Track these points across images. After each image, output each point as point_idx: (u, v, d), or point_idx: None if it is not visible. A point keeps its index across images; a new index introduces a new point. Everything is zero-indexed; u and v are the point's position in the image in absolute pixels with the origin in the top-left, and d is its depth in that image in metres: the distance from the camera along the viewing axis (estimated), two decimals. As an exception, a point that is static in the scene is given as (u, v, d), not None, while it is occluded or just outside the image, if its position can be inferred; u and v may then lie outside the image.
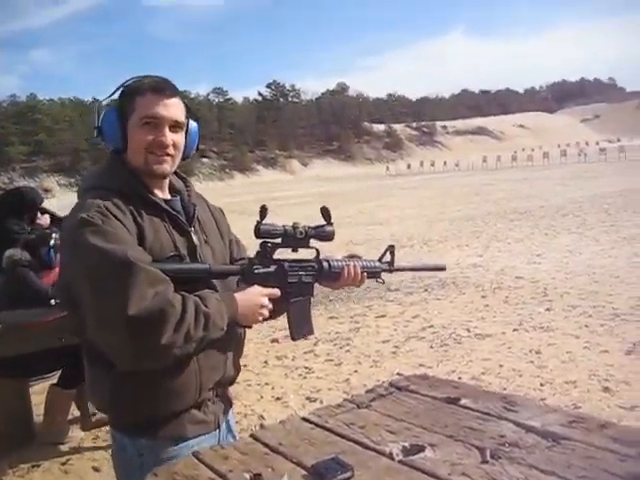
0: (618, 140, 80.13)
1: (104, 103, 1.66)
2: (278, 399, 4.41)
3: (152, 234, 1.50)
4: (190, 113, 1.68)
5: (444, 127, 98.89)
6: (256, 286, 1.60)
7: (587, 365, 4.47)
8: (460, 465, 1.17)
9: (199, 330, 1.42)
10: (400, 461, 1.21)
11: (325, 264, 1.75)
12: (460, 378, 4.31)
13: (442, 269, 2.11)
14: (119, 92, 1.60)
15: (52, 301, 3.63)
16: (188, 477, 1.24)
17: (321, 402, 4.12)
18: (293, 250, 1.68)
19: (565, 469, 1.12)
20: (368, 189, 30.16)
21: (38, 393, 4.21)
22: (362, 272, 1.81)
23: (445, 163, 53.13)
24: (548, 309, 6.05)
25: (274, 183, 48.84)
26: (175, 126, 1.59)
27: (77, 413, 4.02)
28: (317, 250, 1.76)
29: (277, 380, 4.80)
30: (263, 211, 1.59)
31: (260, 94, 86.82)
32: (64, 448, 3.81)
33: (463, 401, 1.48)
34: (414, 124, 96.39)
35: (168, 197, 1.64)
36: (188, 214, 1.64)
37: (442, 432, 1.32)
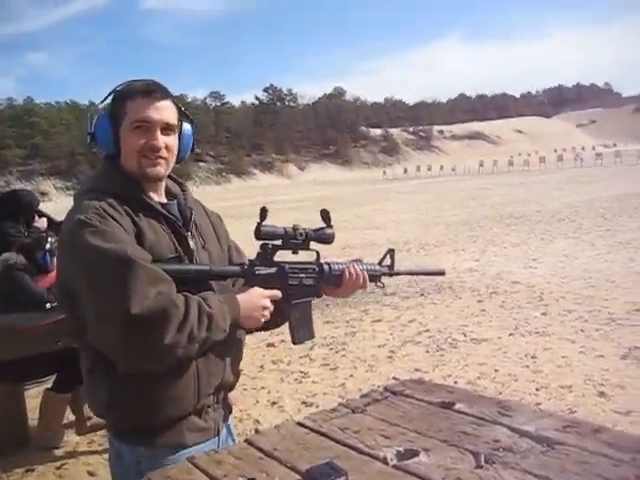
0: (614, 145, 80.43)
1: (98, 108, 1.65)
2: (274, 403, 4.40)
3: (152, 235, 1.50)
4: (183, 115, 1.67)
5: (441, 131, 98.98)
6: (257, 288, 1.59)
7: (583, 370, 4.48)
8: (454, 470, 1.17)
9: (202, 331, 1.41)
10: (394, 466, 1.21)
11: (326, 266, 1.75)
12: (456, 383, 4.31)
13: (442, 274, 2.12)
14: (111, 97, 1.59)
15: (47, 305, 3.63)
16: (182, 482, 1.24)
17: (317, 406, 4.12)
18: (293, 252, 1.68)
19: (559, 474, 1.12)
20: (365, 193, 30.19)
21: (33, 397, 4.20)
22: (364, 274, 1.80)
23: (442, 167, 53.18)
24: (544, 314, 6.06)
25: (271, 187, 48.87)
26: (167, 129, 1.58)
27: (72, 417, 4.01)
28: (317, 252, 1.75)
29: (273, 384, 4.80)
30: (263, 212, 1.59)
31: (257, 98, 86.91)
32: (59, 452, 3.80)
33: (458, 406, 1.48)
34: (411, 128, 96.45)
35: (164, 201, 1.64)
36: (185, 218, 1.63)
37: (436, 437, 1.32)
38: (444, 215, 16.43)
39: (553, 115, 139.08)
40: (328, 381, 4.77)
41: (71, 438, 3.94)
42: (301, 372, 5.02)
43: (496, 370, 4.63)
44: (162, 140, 1.56)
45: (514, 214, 15.13)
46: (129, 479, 1.53)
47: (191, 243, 1.59)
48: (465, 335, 5.59)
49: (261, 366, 5.24)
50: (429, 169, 53.79)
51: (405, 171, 56.85)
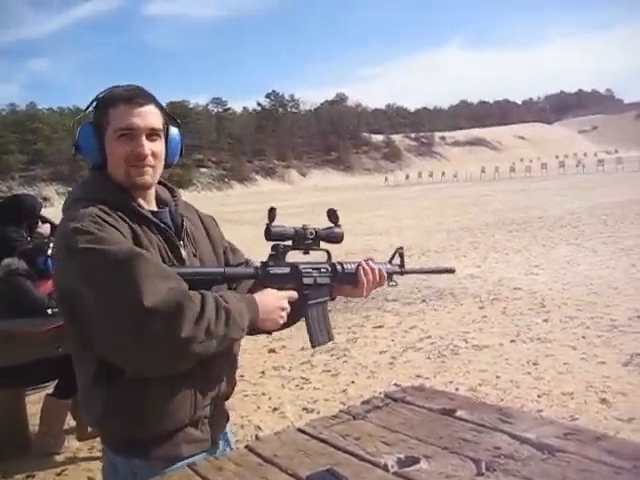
0: (616, 151, 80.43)
1: (81, 117, 1.62)
2: (275, 410, 4.40)
3: (147, 243, 1.47)
4: (169, 118, 1.63)
5: (442, 138, 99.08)
6: (272, 289, 1.56)
7: (584, 377, 4.47)
8: (455, 477, 1.16)
9: (220, 326, 1.38)
10: (395, 473, 1.21)
11: (339, 266, 1.73)
12: (457, 389, 4.30)
13: (452, 271, 2.11)
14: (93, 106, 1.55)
15: (48, 311, 3.63)
16: (182, 488, 1.24)
17: (318, 413, 4.11)
18: (305, 252, 1.66)
19: (560, 481, 1.12)
20: (366, 199, 30.20)
21: (34, 402, 4.20)
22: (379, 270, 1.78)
23: (443, 174, 53.27)
24: (546, 320, 6.05)
25: (273, 193, 48.90)
26: (152, 134, 1.53)
27: (73, 423, 4.00)
28: (328, 252, 1.74)
29: (274, 390, 4.79)
30: (272, 213, 1.57)
31: (259, 104, 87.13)
32: (59, 458, 3.80)
33: (459, 413, 1.48)
34: (413, 135, 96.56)
35: (155, 209, 1.60)
36: (176, 226, 1.59)
37: (437, 444, 1.31)
38: (446, 221, 16.43)
39: (555, 121, 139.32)
40: (329, 387, 4.76)
41: (72, 444, 3.93)
42: (302, 378, 5.02)
43: (497, 377, 4.63)
44: (148, 147, 1.52)
45: (516, 220, 15.13)
46: None
47: (183, 252, 1.56)
48: (466, 341, 5.58)
49: (262, 372, 5.23)
50: (431, 175, 53.87)
51: (407, 177, 56.92)
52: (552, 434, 1.31)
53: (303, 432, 1.46)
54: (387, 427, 1.43)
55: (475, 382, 4.55)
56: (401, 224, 16.21)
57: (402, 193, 34.75)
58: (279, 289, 1.57)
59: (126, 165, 1.51)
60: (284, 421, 4.13)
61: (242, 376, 5.04)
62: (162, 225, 1.54)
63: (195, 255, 1.60)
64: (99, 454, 3.72)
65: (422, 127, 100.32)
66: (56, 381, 3.88)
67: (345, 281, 1.75)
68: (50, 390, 3.97)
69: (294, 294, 1.60)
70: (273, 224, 1.57)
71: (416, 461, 1.24)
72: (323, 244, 1.70)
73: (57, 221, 4.65)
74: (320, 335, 1.71)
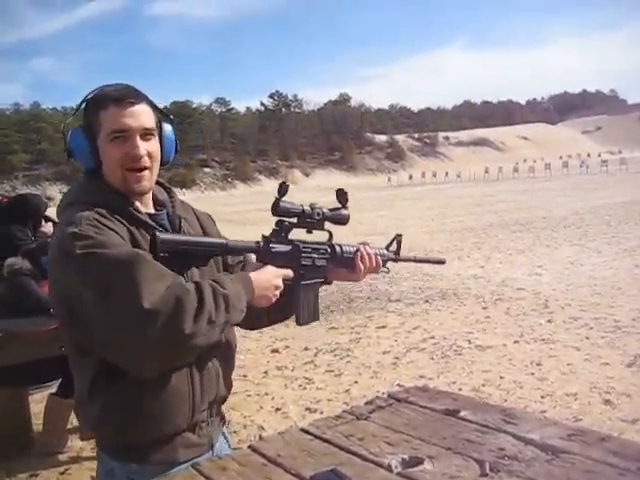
0: (619, 152, 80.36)
1: (71, 120, 1.61)
2: (278, 410, 4.39)
3: (145, 246, 1.44)
4: (162, 115, 1.59)
5: (446, 138, 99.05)
6: (271, 267, 1.54)
7: (588, 377, 4.46)
8: (459, 478, 1.16)
9: (221, 314, 1.36)
10: (399, 473, 1.21)
11: (338, 247, 1.71)
12: (460, 390, 4.30)
13: (442, 262, 2.21)
14: (83, 108, 1.52)
15: (52, 310, 3.63)
16: (186, 488, 1.24)
17: (321, 413, 4.11)
18: (308, 231, 1.65)
19: (564, 483, 1.12)
20: (369, 199, 30.17)
21: (37, 402, 4.20)
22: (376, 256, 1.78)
23: (447, 174, 53.22)
24: (549, 321, 6.05)
25: (276, 193, 48.76)
26: (146, 134, 1.49)
27: (76, 422, 4.00)
28: (330, 233, 1.72)
29: (277, 390, 4.79)
30: (283, 188, 1.55)
31: (262, 104, 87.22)
32: (63, 457, 3.80)
33: (462, 413, 1.47)
34: (416, 135, 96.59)
35: (152, 211, 1.57)
36: (174, 228, 1.57)
37: (441, 444, 1.31)
38: (449, 221, 16.41)
39: (558, 122, 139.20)
40: (332, 387, 4.76)
41: (75, 443, 3.94)
42: (305, 378, 5.01)
43: (501, 377, 4.62)
44: (143, 147, 1.48)
45: (519, 221, 15.11)
46: None
47: None
48: (470, 342, 5.58)
49: (265, 372, 5.23)
50: (434, 175, 53.80)
51: (410, 177, 56.87)
52: (556, 435, 1.31)
53: (307, 432, 1.45)
54: (390, 427, 1.43)
55: (478, 382, 4.55)
56: (404, 224, 16.19)
57: (405, 193, 34.73)
58: (277, 266, 1.55)
59: (122, 170, 1.47)
60: (287, 421, 4.13)
61: (245, 376, 5.05)
62: (159, 228, 1.52)
63: None
64: (102, 453, 3.73)
65: (425, 127, 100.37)
66: (59, 380, 3.89)
67: (342, 264, 1.74)
68: (53, 389, 3.97)
69: (290, 273, 1.58)
70: (283, 199, 1.55)
71: (420, 462, 1.23)
72: (328, 225, 1.69)
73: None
74: (307, 314, 1.68)
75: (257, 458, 1.34)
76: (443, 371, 4.88)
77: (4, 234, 4.22)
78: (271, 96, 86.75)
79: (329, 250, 1.70)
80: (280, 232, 1.59)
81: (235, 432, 3.96)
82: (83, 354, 1.46)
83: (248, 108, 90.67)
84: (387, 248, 1.90)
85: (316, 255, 1.66)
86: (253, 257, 1.64)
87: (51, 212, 5.20)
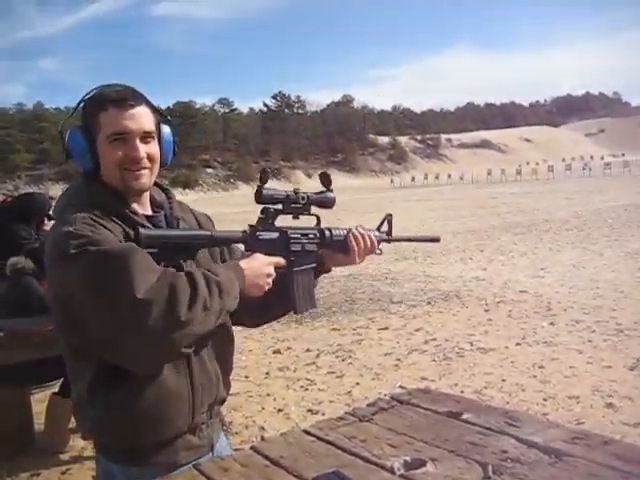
0: (623, 155, 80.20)
1: (68, 119, 1.60)
2: (279, 411, 4.39)
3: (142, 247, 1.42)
4: (161, 117, 1.58)
5: (449, 140, 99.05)
6: (260, 254, 1.53)
7: (590, 380, 4.45)
8: (462, 480, 1.16)
9: (215, 300, 1.34)
10: (401, 475, 1.20)
11: (327, 231, 1.70)
12: (462, 392, 4.29)
13: (437, 240, 2.10)
14: (81, 108, 1.51)
15: (49, 311, 3.63)
16: (188, 489, 1.24)
17: (323, 414, 4.11)
18: (294, 217, 1.63)
19: (567, 486, 1.11)
20: (372, 201, 30.17)
21: (39, 401, 4.20)
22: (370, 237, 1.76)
23: (450, 176, 53.24)
24: (552, 323, 6.04)
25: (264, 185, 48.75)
26: (146, 137, 1.49)
27: (78, 422, 4.01)
28: (317, 217, 1.70)
29: (278, 391, 4.78)
30: (264, 175, 1.54)
31: (265, 105, 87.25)
32: (64, 457, 3.80)
33: (465, 416, 1.47)
34: (419, 137, 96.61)
35: (149, 213, 1.56)
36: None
37: (443, 447, 1.31)
38: (451, 223, 16.40)
39: (561, 124, 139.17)
40: (334, 389, 4.76)
41: (76, 443, 3.94)
42: (307, 379, 5.01)
43: (503, 380, 4.61)
44: (143, 150, 1.47)
45: (522, 223, 15.10)
46: None
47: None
48: (472, 344, 5.57)
49: (267, 373, 5.23)
50: (437, 177, 53.82)
51: (413, 179, 56.88)
52: (559, 438, 1.31)
53: (309, 433, 1.45)
54: (393, 429, 1.42)
55: (480, 385, 4.54)
56: (406, 225, 16.17)
57: (408, 195, 34.72)
58: (266, 254, 1.54)
59: (120, 170, 1.46)
60: (289, 422, 4.12)
61: (247, 377, 5.05)
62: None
63: None
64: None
65: (428, 129, 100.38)
66: (61, 380, 3.89)
67: (335, 248, 1.73)
68: (55, 389, 3.98)
69: (281, 260, 1.57)
70: (265, 187, 1.53)
71: (422, 464, 1.23)
72: (315, 209, 1.67)
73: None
74: (304, 302, 1.66)
75: (259, 459, 1.34)
76: (445, 373, 4.87)
77: (8, 233, 4.23)
78: (274, 97, 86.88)
79: (318, 235, 1.68)
80: (266, 220, 1.58)
81: (237, 433, 3.96)
82: (80, 356, 1.46)
83: (251, 109, 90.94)
84: (378, 229, 1.88)
85: (305, 240, 1.65)
86: (241, 247, 1.63)
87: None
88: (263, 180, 1.53)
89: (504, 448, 1.28)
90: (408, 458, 1.26)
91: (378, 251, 1.84)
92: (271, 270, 1.53)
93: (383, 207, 25.28)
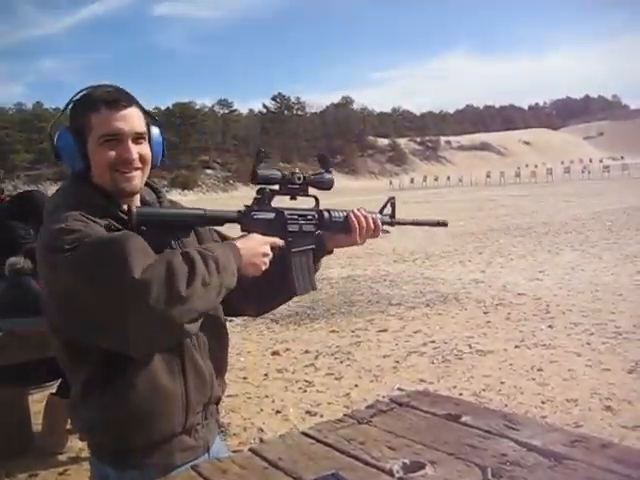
0: (622, 158, 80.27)
1: (57, 120, 1.58)
2: (278, 412, 4.38)
3: None
4: (150, 118, 1.56)
5: (448, 142, 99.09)
6: (255, 234, 1.51)
7: (589, 383, 4.45)
8: (461, 483, 1.16)
9: (213, 275, 1.32)
10: (400, 478, 1.20)
11: (326, 213, 1.68)
12: (461, 394, 4.29)
13: (444, 225, 2.08)
14: (70, 109, 1.50)
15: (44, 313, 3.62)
16: (186, 490, 1.23)
17: (321, 416, 4.10)
18: (291, 198, 1.62)
19: (566, 489, 1.11)
20: (370, 202, 30.07)
21: (37, 402, 4.19)
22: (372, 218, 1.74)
23: (449, 178, 53.29)
24: (550, 326, 6.03)
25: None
26: (138, 138, 1.48)
27: (76, 423, 4.00)
28: (316, 198, 1.69)
29: (277, 393, 4.78)
30: (260, 155, 1.53)
31: (265, 106, 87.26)
32: (62, 458, 3.79)
33: (464, 418, 1.47)
34: (418, 139, 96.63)
35: None
36: None
37: (443, 449, 1.31)
38: (450, 226, 16.18)
39: (561, 127, 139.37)
40: (333, 390, 4.75)
41: (74, 444, 3.92)
42: (306, 381, 5.00)
43: (502, 382, 4.61)
44: (135, 151, 1.47)
45: (521, 225, 15.11)
46: None
47: None
48: (470, 346, 5.57)
49: (265, 374, 5.22)
50: (436, 179, 53.91)
51: (412, 181, 56.98)
52: (559, 441, 1.31)
53: (308, 436, 1.45)
54: (392, 432, 1.42)
55: (479, 387, 4.54)
56: (404, 227, 16.16)
57: (407, 197, 34.69)
58: (262, 234, 1.52)
59: (112, 171, 1.45)
60: (287, 424, 4.12)
61: (245, 378, 5.04)
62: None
63: None
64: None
65: (428, 131, 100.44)
66: (59, 380, 3.88)
67: (335, 229, 1.71)
68: (53, 389, 3.97)
69: (278, 240, 1.55)
70: (260, 167, 1.53)
71: (421, 467, 1.23)
72: (312, 191, 1.66)
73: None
74: (303, 283, 1.64)
75: (258, 461, 1.33)
76: (443, 375, 4.87)
77: (6, 232, 4.21)
78: (274, 98, 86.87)
79: (317, 216, 1.67)
80: (262, 200, 1.57)
81: (235, 434, 3.96)
82: (74, 358, 1.45)
83: (250, 110, 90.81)
84: (381, 212, 1.86)
85: (303, 221, 1.63)
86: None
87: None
88: (259, 160, 1.52)
89: (503, 451, 1.28)
90: (407, 461, 1.26)
91: (381, 234, 1.82)
92: (267, 250, 1.51)
93: (382, 209, 25.27)
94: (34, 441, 3.91)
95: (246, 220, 1.53)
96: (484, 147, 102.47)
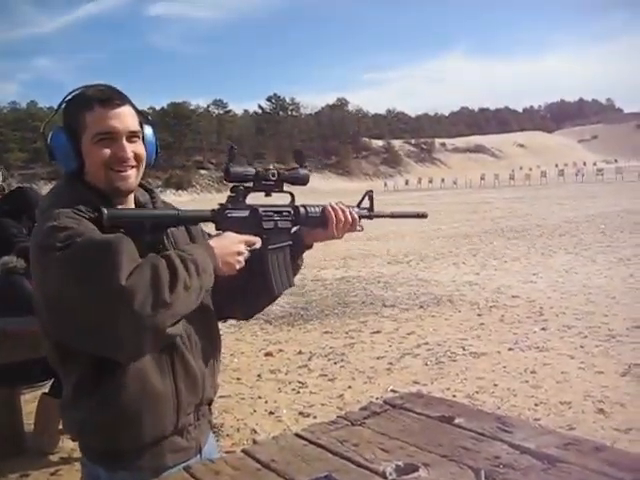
0: (615, 161, 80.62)
1: (51, 119, 1.58)
2: (271, 413, 4.38)
3: None
4: (143, 117, 1.56)
5: (443, 144, 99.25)
6: (229, 232, 1.50)
7: (582, 386, 4.46)
8: (454, 486, 1.15)
9: (194, 278, 1.33)
10: (393, 480, 1.20)
11: (301, 208, 1.67)
12: (454, 396, 4.29)
13: (424, 216, 2.05)
14: (64, 108, 1.49)
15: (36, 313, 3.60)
16: (178, 492, 1.23)
17: (314, 417, 4.10)
18: (266, 195, 1.61)
19: (560, 492, 1.11)
20: (365, 204, 30.17)
21: (29, 402, 4.18)
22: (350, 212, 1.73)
23: (443, 180, 53.39)
24: (544, 329, 6.05)
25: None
26: (132, 136, 1.48)
27: (68, 423, 3.98)
28: (292, 194, 1.69)
29: (270, 394, 4.77)
30: (232, 152, 1.52)
31: (260, 107, 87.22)
32: (54, 458, 3.77)
33: (457, 420, 1.47)
34: (413, 141, 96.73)
35: None
36: None
37: (436, 452, 1.30)
38: (444, 228, 16.42)
39: (555, 130, 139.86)
40: (326, 392, 4.75)
41: (66, 444, 3.91)
42: (299, 382, 5.00)
43: (495, 384, 4.61)
44: (130, 149, 1.46)
45: (515, 228, 15.14)
46: None
47: None
48: (464, 349, 5.57)
49: (259, 375, 5.21)
50: (430, 181, 53.96)
51: (406, 183, 57.07)
52: (552, 444, 1.30)
53: (301, 437, 1.44)
54: (385, 434, 1.42)
55: (472, 389, 4.54)
56: (399, 229, 16.19)
57: (401, 199, 34.73)
58: (237, 232, 1.51)
59: (106, 170, 1.44)
60: (280, 425, 4.11)
61: (238, 379, 5.03)
62: None
63: None
64: (94, 455, 3.70)
65: (422, 133, 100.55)
66: (52, 380, 3.87)
67: (312, 224, 1.70)
68: (46, 389, 3.95)
69: (253, 238, 1.54)
70: (232, 164, 1.52)
71: (415, 469, 1.22)
72: (288, 187, 1.65)
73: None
74: (280, 281, 1.64)
75: (251, 462, 1.33)
76: (437, 377, 4.87)
77: (-1, 227, 4.17)
78: (269, 99, 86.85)
79: (292, 212, 1.66)
80: (237, 198, 1.56)
81: (228, 435, 3.95)
82: (65, 360, 1.45)
83: (245, 111, 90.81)
84: (359, 205, 1.85)
85: (278, 218, 1.62)
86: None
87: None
88: (230, 157, 1.52)
89: (497, 454, 1.27)
90: (400, 463, 1.25)
91: (359, 227, 1.81)
92: (241, 248, 1.50)
93: (377, 210, 25.29)
94: (26, 441, 3.90)
95: (220, 219, 1.52)
96: (479, 149, 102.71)
